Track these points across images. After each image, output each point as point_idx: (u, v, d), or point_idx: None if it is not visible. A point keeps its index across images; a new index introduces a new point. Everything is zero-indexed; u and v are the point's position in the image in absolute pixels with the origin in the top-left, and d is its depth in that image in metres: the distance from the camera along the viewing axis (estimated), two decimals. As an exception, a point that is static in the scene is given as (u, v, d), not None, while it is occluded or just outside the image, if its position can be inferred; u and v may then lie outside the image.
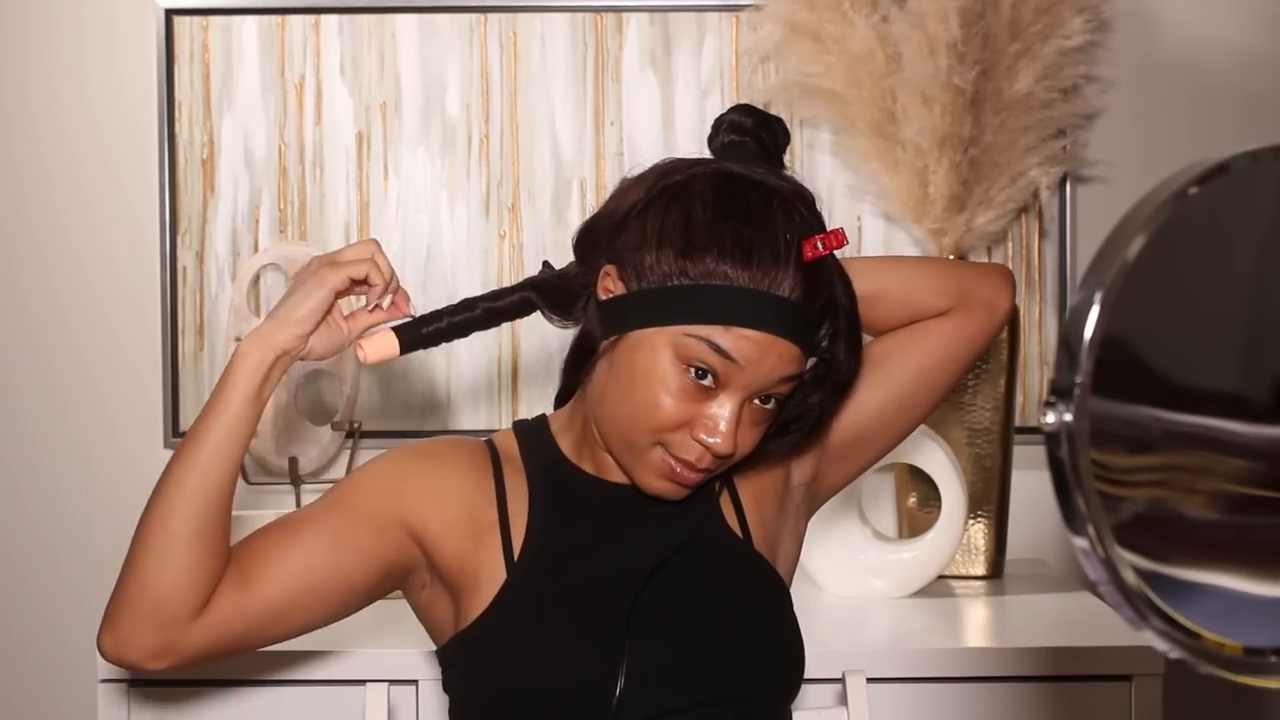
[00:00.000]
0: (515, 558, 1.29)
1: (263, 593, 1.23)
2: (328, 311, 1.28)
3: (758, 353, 1.24)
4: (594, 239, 1.32)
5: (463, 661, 1.30)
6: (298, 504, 2.07)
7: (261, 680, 1.73)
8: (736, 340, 1.23)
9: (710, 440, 1.25)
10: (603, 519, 1.33)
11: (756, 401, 1.27)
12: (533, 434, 1.38)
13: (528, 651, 1.26)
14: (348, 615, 1.33)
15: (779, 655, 1.33)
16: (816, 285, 1.27)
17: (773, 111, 1.40)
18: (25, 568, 2.31)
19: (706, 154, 1.36)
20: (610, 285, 1.29)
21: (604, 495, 1.34)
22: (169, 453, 2.27)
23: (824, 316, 1.28)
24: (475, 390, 2.28)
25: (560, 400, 1.40)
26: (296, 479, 2.07)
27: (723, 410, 1.25)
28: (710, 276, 1.24)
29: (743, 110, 1.35)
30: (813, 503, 1.45)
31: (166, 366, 2.27)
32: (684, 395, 1.25)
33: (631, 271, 1.27)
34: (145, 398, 2.29)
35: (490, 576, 1.29)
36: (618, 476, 1.34)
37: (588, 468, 1.35)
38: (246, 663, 1.74)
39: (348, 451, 2.13)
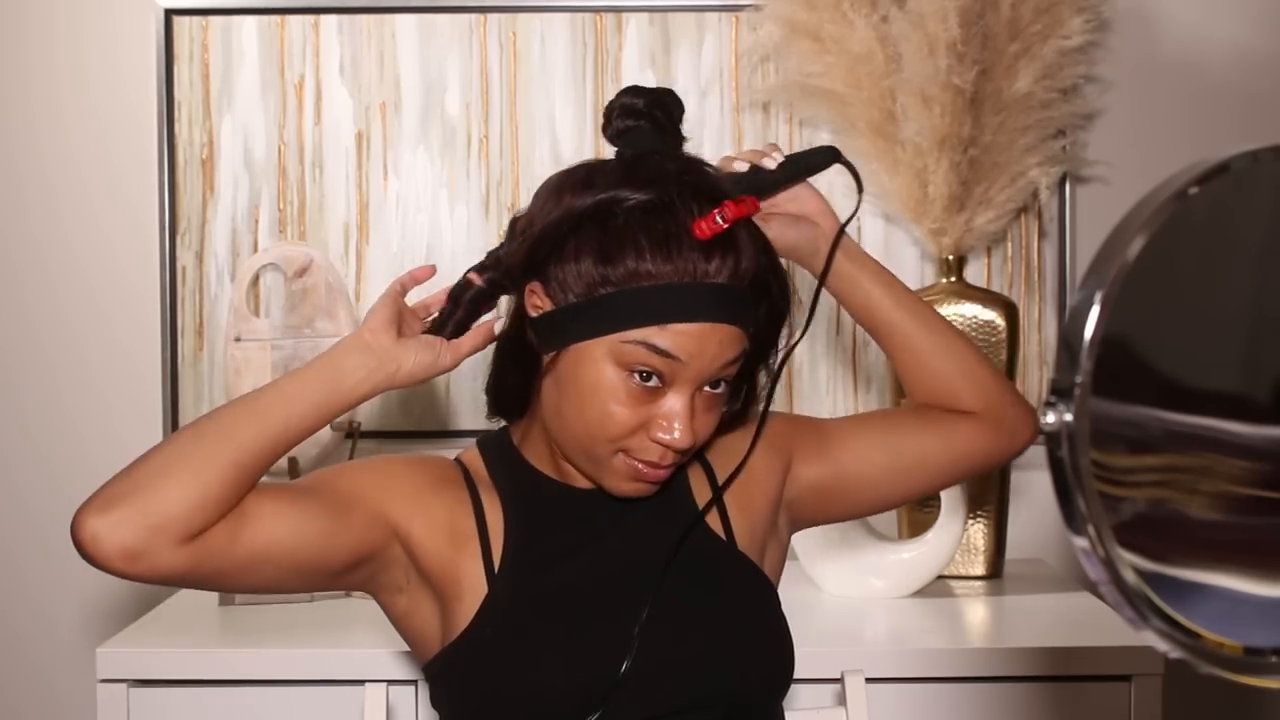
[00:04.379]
0: (496, 570, 1.30)
1: (253, 538, 1.21)
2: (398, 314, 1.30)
3: (697, 344, 1.23)
4: (516, 257, 1.30)
5: (449, 676, 1.30)
6: (297, 504, 2.07)
7: (261, 680, 1.73)
8: (674, 337, 1.23)
9: (668, 438, 1.25)
10: (579, 526, 1.33)
11: (706, 389, 1.27)
12: (497, 448, 1.38)
13: (515, 663, 1.26)
14: (311, 590, 1.32)
15: (768, 654, 1.33)
16: (740, 259, 1.25)
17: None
18: (25, 567, 2.31)
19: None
20: (538, 302, 1.28)
21: (577, 502, 1.34)
22: (169, 453, 2.28)
23: (755, 288, 1.28)
24: (475, 390, 2.28)
25: (498, 411, 1.40)
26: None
27: (675, 406, 1.25)
28: (634, 279, 1.23)
29: (631, 92, 1.33)
30: (793, 525, 1.45)
31: (166, 366, 2.27)
32: (633, 400, 1.25)
33: (556, 286, 1.26)
34: (145, 398, 2.29)
35: (472, 589, 1.29)
36: (583, 481, 1.34)
37: (554, 475, 1.35)
38: (246, 662, 1.74)
39: (347, 452, 2.13)
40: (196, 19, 2.27)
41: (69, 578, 2.29)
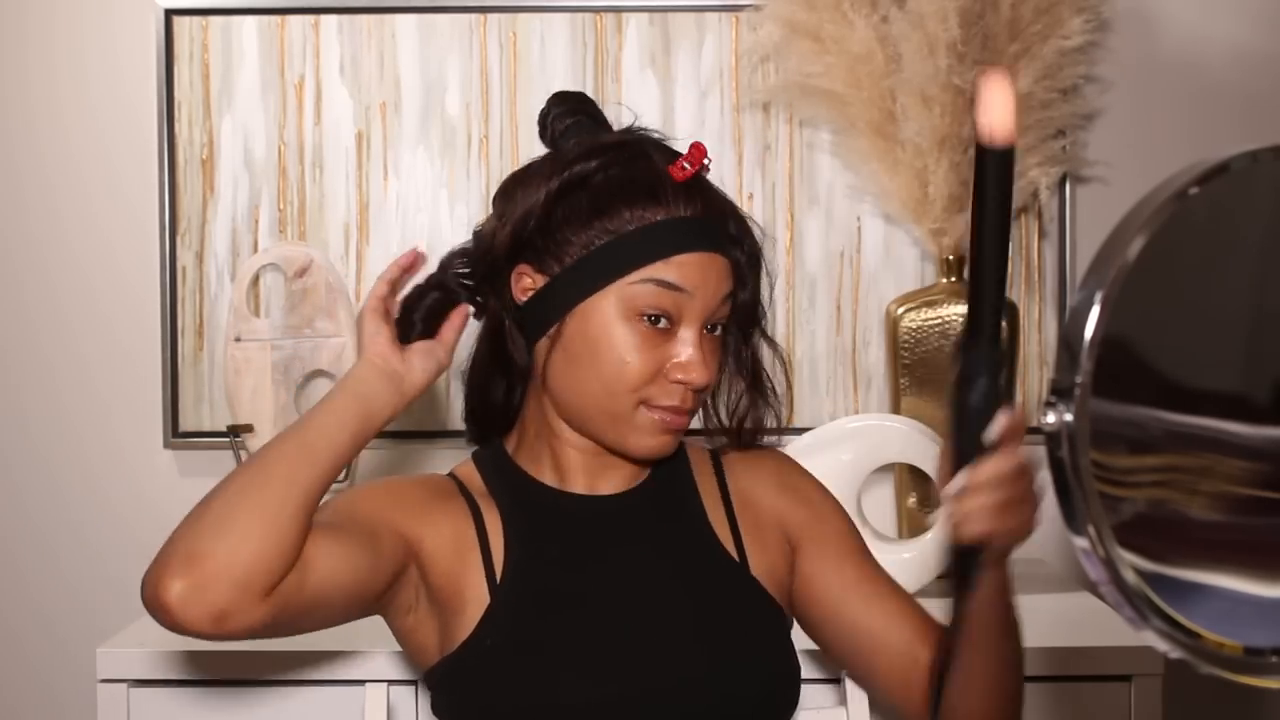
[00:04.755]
0: (498, 580, 1.30)
1: (319, 579, 1.20)
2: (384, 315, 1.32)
3: (700, 274, 1.28)
4: (500, 248, 1.32)
5: (450, 685, 1.30)
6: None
7: (261, 680, 1.73)
8: (679, 269, 1.28)
9: (687, 377, 1.28)
10: (581, 533, 1.33)
11: (707, 331, 1.31)
12: (492, 461, 1.39)
13: (515, 674, 1.26)
14: (350, 620, 1.32)
15: (772, 680, 1.32)
16: (713, 200, 1.32)
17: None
18: (25, 567, 2.31)
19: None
20: (528, 283, 1.31)
21: (577, 508, 1.34)
22: (169, 453, 2.28)
23: (731, 226, 1.34)
24: (475, 390, 2.28)
25: (480, 435, 1.41)
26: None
27: (686, 345, 1.29)
28: (631, 222, 1.28)
29: (556, 98, 1.40)
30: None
31: (166, 366, 2.27)
32: (647, 345, 1.28)
33: (550, 258, 1.30)
34: (145, 398, 2.29)
35: (475, 599, 1.29)
36: (584, 486, 1.35)
37: (554, 482, 1.36)
38: (246, 663, 1.74)
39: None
40: (196, 19, 2.27)
41: (69, 578, 2.29)
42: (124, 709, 1.73)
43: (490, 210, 1.37)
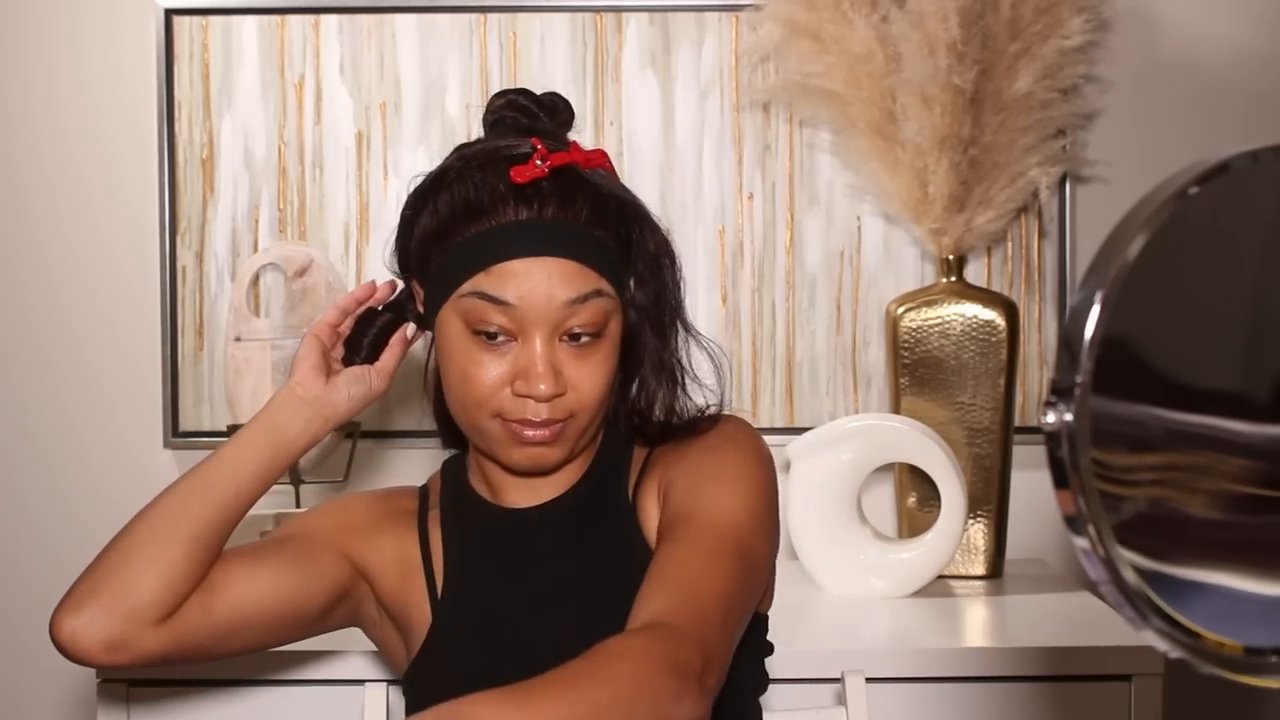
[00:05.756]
0: (439, 597, 1.31)
1: (227, 604, 1.24)
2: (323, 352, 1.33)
3: (526, 282, 1.22)
4: (393, 263, 1.35)
5: (408, 697, 1.32)
6: (297, 503, 2.07)
7: (261, 680, 1.73)
8: (500, 279, 1.22)
9: (528, 389, 1.23)
10: (512, 550, 1.32)
11: (568, 340, 1.24)
12: (452, 470, 1.39)
13: (453, 690, 1.26)
14: (298, 639, 1.33)
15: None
16: (573, 199, 1.24)
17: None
18: (26, 567, 2.31)
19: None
20: (420, 297, 1.32)
21: (514, 524, 1.33)
22: (169, 452, 2.28)
23: (604, 227, 1.25)
24: (475, 390, 2.28)
25: (449, 440, 1.41)
26: (296, 478, 2.07)
27: (528, 355, 1.23)
28: (460, 234, 1.24)
29: (495, 96, 1.36)
30: None
31: (166, 366, 2.27)
32: (489, 359, 1.24)
33: (421, 273, 1.30)
34: (145, 397, 2.29)
35: (419, 619, 1.31)
36: (516, 497, 1.33)
37: (489, 496, 1.35)
38: (246, 662, 1.74)
39: (348, 452, 2.13)
40: (196, 19, 2.27)
41: (69, 578, 2.28)
42: (124, 709, 1.73)
43: None
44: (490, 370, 1.24)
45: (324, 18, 2.27)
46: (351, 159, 2.27)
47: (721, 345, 1.46)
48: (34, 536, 2.31)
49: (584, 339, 1.25)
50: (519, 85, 2.24)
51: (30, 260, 2.31)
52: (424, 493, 1.39)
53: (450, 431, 1.39)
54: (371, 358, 1.35)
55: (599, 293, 1.24)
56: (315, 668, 1.73)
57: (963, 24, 2.04)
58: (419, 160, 2.27)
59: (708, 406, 1.34)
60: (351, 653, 1.73)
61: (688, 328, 1.34)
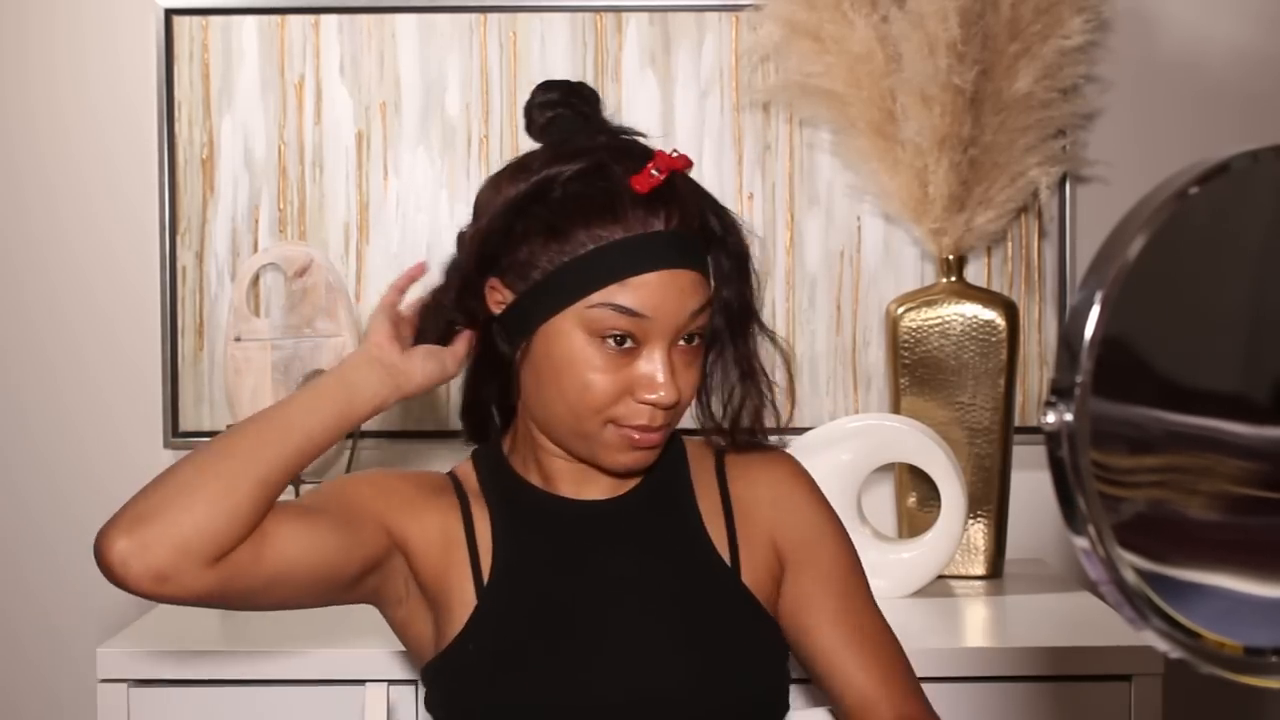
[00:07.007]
0: (485, 582, 1.30)
1: (276, 556, 1.20)
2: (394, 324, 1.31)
3: (659, 294, 1.24)
4: (470, 260, 1.31)
5: (440, 684, 1.30)
6: (297, 504, 2.07)
7: (261, 680, 1.73)
8: (634, 292, 1.23)
9: (653, 397, 1.25)
10: (566, 540, 1.33)
11: (682, 343, 1.27)
12: (489, 460, 1.38)
13: (499, 678, 1.26)
14: (322, 604, 1.32)
15: (757, 681, 1.32)
16: (684, 208, 1.26)
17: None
18: (25, 567, 2.31)
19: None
20: (499, 297, 1.29)
21: (566, 512, 1.34)
22: (169, 453, 2.28)
23: (705, 233, 1.29)
24: (475, 390, 2.28)
25: (475, 434, 1.41)
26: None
27: (652, 363, 1.25)
28: (586, 243, 1.24)
29: (544, 87, 1.35)
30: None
31: (166, 366, 2.27)
32: (610, 366, 1.25)
33: (513, 275, 1.28)
34: (145, 398, 2.29)
35: (461, 600, 1.30)
36: (572, 490, 1.34)
37: (541, 484, 1.35)
38: (246, 662, 1.74)
39: (347, 452, 2.13)
40: (196, 19, 2.27)
41: (69, 578, 2.29)
42: (124, 709, 1.73)
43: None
44: (613, 378, 1.25)
45: (324, 18, 2.27)
46: (351, 159, 2.27)
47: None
48: (33, 536, 2.31)
49: (695, 341, 1.28)
50: (519, 85, 2.26)
51: (30, 260, 2.31)
52: (454, 479, 1.38)
53: (478, 425, 1.39)
54: (442, 340, 1.34)
55: (710, 299, 1.28)
56: (315, 668, 1.73)
57: (963, 24, 2.04)
58: (419, 160, 2.27)
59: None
60: (352, 653, 1.73)
61: (762, 326, 1.36)
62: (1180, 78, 2.29)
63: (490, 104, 2.27)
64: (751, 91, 2.26)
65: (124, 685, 1.73)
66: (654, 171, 1.24)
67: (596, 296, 1.24)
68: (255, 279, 2.20)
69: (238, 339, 2.10)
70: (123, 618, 2.13)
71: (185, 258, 2.27)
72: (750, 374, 1.34)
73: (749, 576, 1.34)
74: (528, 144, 2.28)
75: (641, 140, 1.32)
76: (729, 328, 1.33)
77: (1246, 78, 2.28)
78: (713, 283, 1.31)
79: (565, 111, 1.32)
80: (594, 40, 2.27)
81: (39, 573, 2.31)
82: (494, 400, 1.39)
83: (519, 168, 1.30)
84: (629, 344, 1.25)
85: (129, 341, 2.30)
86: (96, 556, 1.17)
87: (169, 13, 2.26)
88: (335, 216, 2.27)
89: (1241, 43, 2.29)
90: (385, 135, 2.27)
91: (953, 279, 2.15)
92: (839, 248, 2.28)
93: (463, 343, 1.34)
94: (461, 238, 1.34)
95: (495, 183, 1.31)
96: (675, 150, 1.28)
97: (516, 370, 1.31)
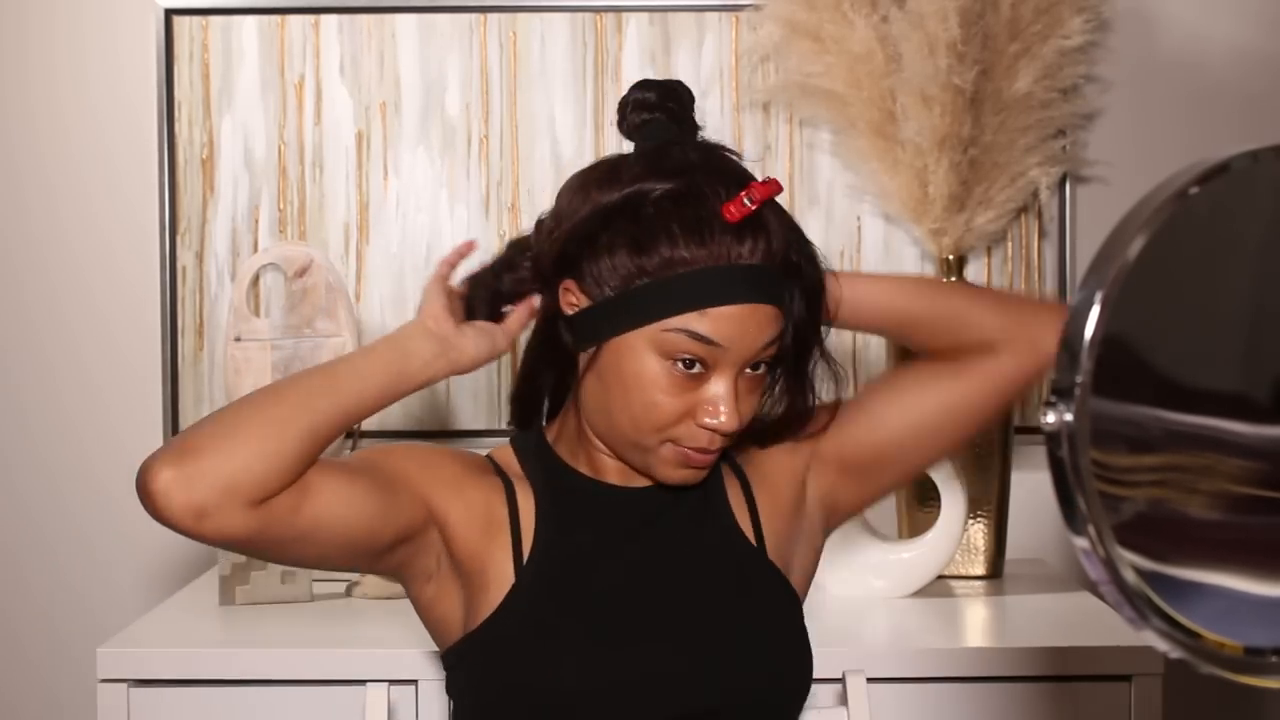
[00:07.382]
0: (524, 561, 1.30)
1: (315, 509, 1.20)
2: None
3: (737, 327, 1.24)
4: (547, 257, 1.30)
5: (469, 664, 1.30)
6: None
7: (261, 680, 1.73)
8: (713, 322, 1.23)
9: (715, 422, 1.25)
10: (612, 524, 1.33)
11: (748, 371, 1.27)
12: (531, 445, 1.38)
13: (535, 657, 1.26)
14: (351, 568, 1.33)
15: (787, 664, 1.33)
16: (771, 239, 1.25)
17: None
18: (26, 567, 2.31)
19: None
20: (573, 299, 1.28)
21: (610, 499, 1.34)
22: (169, 453, 2.27)
23: (786, 266, 1.28)
24: (475, 391, 2.28)
25: (522, 419, 1.40)
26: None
27: (719, 390, 1.25)
28: (670, 266, 1.23)
29: (642, 86, 1.33)
30: (829, 518, 1.43)
31: (166, 366, 2.27)
32: (677, 389, 1.25)
33: (591, 282, 1.26)
34: (145, 398, 2.29)
35: (499, 578, 1.29)
36: (619, 480, 1.34)
37: (589, 472, 1.35)
38: (246, 662, 1.74)
39: (347, 452, 2.13)
40: (196, 19, 2.27)
41: (69, 578, 2.29)
42: (124, 709, 1.73)
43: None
44: (678, 401, 1.25)
45: (324, 18, 2.27)
46: (351, 159, 2.27)
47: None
48: (33, 537, 2.31)
49: (760, 369, 1.28)
50: (519, 85, 2.26)
51: (30, 260, 2.31)
52: (493, 461, 1.37)
53: (529, 412, 1.39)
54: (489, 317, 1.33)
55: (782, 332, 1.28)
56: (315, 668, 1.73)
57: (963, 24, 2.04)
58: (419, 160, 2.27)
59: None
60: (352, 653, 1.73)
61: (824, 353, 1.36)
62: (1180, 78, 2.29)
63: (490, 104, 2.27)
64: (751, 91, 2.26)
65: (124, 685, 1.73)
66: (746, 201, 1.23)
67: (674, 321, 1.23)
68: (255, 279, 2.20)
69: (238, 339, 2.10)
70: (123, 618, 2.13)
71: (185, 258, 2.27)
72: (800, 392, 1.35)
73: (773, 551, 1.36)
74: (527, 142, 2.29)
75: (734, 158, 1.30)
76: (793, 352, 1.33)
77: (1246, 78, 2.28)
78: (787, 314, 1.30)
79: (660, 116, 1.31)
80: (594, 40, 2.27)
81: (39, 573, 2.31)
82: (549, 389, 1.38)
83: (610, 174, 1.27)
84: (698, 369, 1.25)
85: (129, 341, 2.30)
86: (138, 487, 1.16)
87: (169, 13, 2.26)
88: (335, 216, 2.27)
89: (1241, 43, 2.29)
90: (385, 135, 2.27)
91: (953, 279, 2.15)
92: (839, 248, 2.28)
93: (515, 322, 1.33)
94: (540, 226, 1.33)
95: (583, 184, 1.29)
96: (767, 177, 1.26)
97: (580, 372, 1.31)
